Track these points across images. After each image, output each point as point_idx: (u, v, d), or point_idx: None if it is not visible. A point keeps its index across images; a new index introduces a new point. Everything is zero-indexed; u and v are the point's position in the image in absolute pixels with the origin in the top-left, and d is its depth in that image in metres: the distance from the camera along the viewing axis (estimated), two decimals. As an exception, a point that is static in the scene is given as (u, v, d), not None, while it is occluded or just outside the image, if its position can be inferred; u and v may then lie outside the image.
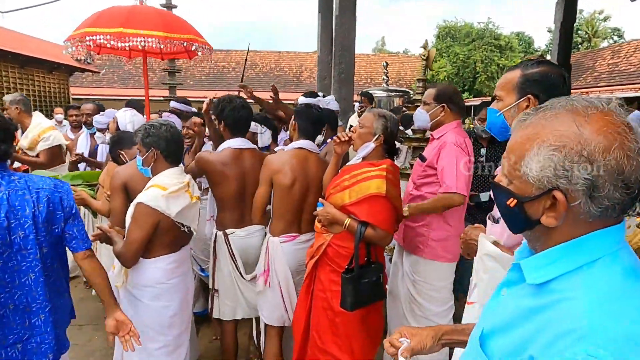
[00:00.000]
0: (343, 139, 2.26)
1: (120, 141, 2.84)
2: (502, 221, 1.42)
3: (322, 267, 2.26)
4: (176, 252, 2.20)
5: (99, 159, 3.99)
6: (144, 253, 2.09)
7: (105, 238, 2.18)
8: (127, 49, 3.99)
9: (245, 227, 2.67)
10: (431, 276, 2.43)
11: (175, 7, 11.51)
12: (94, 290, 3.57)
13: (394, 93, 5.87)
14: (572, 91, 2.40)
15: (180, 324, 2.28)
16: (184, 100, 4.45)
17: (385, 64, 5.99)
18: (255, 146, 2.78)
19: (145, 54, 4.31)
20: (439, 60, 23.76)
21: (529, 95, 1.41)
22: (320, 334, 2.25)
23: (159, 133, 2.11)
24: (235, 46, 22.21)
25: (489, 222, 1.62)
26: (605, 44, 27.46)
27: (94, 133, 4.11)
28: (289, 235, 2.51)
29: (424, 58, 3.04)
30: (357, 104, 5.42)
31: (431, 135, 2.50)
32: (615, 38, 30.56)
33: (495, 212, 1.56)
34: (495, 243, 1.46)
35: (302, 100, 3.79)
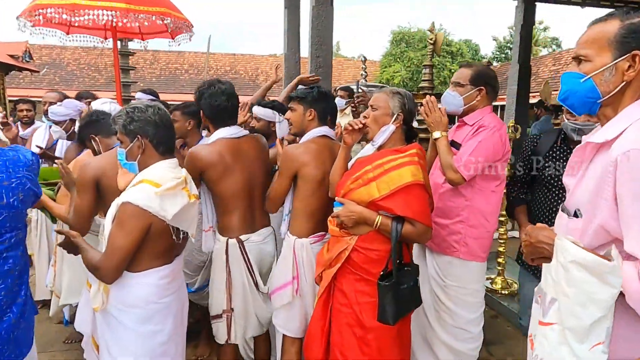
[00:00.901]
0: (356, 126, 1.95)
1: (95, 123, 2.34)
2: (585, 214, 1.14)
3: (344, 277, 1.92)
4: (169, 263, 1.77)
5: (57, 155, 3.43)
6: (129, 265, 1.66)
7: (69, 246, 1.72)
8: (89, 23, 3.42)
9: (259, 230, 2.31)
10: (467, 278, 2.15)
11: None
12: (51, 310, 3.05)
13: (374, 89, 5.66)
14: (518, 95, 2.22)
15: (175, 353, 1.85)
16: (151, 92, 3.95)
17: (363, 59, 5.75)
18: (246, 132, 2.38)
19: (115, 33, 3.74)
20: (394, 65, 24.21)
21: (636, 52, 1.09)
22: (346, 355, 1.90)
23: (145, 117, 1.69)
24: (188, 47, 21.32)
25: (562, 216, 1.28)
26: (545, 52, 29.12)
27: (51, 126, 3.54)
28: (318, 235, 2.18)
29: (432, 42, 2.79)
30: (339, 100, 5.06)
31: (459, 121, 2.23)
32: (554, 47, 32.58)
33: (572, 202, 1.23)
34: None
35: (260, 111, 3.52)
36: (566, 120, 2.25)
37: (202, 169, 2.17)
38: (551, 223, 1.34)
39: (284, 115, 2.96)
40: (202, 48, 23.37)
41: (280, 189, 2.21)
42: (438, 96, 2.30)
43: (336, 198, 1.92)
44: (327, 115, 2.27)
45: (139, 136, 1.69)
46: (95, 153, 2.32)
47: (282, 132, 2.92)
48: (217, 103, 2.21)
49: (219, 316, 2.30)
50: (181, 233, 1.72)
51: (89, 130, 2.33)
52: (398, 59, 24.75)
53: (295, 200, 2.22)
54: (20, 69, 12.26)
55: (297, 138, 2.46)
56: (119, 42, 10.24)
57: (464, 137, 2.11)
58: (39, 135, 3.59)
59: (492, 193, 2.11)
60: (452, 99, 2.17)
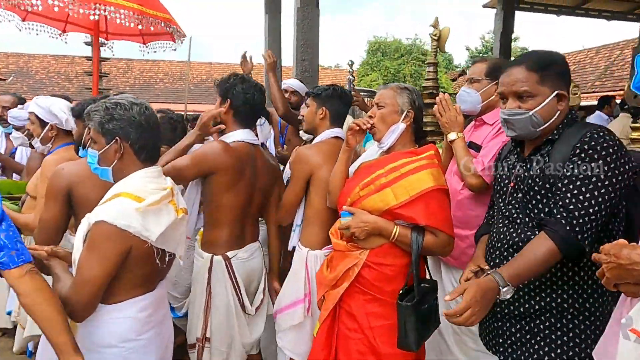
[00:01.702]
0: (364, 126, 1.74)
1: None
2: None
3: (352, 297, 1.68)
4: (151, 291, 1.47)
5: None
6: (103, 297, 1.35)
7: (40, 263, 1.40)
8: (97, 16, 3.04)
9: (247, 245, 2.08)
10: (491, 297, 1.91)
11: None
12: (16, 344, 2.74)
13: (364, 93, 5.46)
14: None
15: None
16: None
17: (350, 62, 5.55)
18: (259, 143, 2.20)
19: (98, 33, 3.41)
20: (371, 74, 24.34)
21: None
22: (358, 389, 1.64)
23: (128, 116, 1.40)
24: (162, 56, 20.84)
25: None
26: (516, 61, 29.79)
27: (10, 133, 3.17)
28: (329, 247, 1.94)
29: (435, 38, 2.59)
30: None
31: (477, 120, 2.02)
32: (524, 56, 33.49)
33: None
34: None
35: (295, 83, 3.37)
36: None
37: (214, 169, 1.90)
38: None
39: (266, 117, 2.73)
40: (177, 57, 22.86)
41: (294, 195, 2.04)
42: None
43: (344, 207, 1.69)
44: (341, 116, 2.13)
45: (117, 138, 1.39)
46: None
47: (263, 136, 2.71)
48: (251, 96, 2.00)
49: (193, 345, 2.04)
50: (167, 255, 1.42)
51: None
52: (375, 68, 24.95)
53: (308, 208, 2.03)
54: (-17, 78, 11.62)
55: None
56: (89, 47, 9.86)
57: (484, 138, 1.90)
58: None
59: None
60: (468, 96, 1.97)
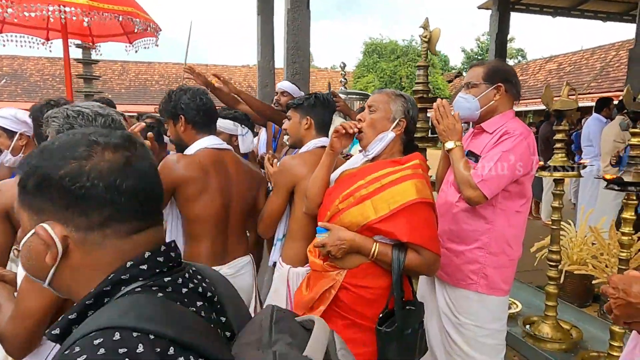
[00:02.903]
0: (350, 130, 1.59)
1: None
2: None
3: (330, 321, 1.49)
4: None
5: None
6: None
7: None
8: (29, 19, 2.89)
9: (230, 261, 1.94)
10: (486, 316, 1.78)
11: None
12: None
13: (355, 96, 5.34)
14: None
15: None
16: (107, 102, 3.48)
17: (343, 65, 5.42)
18: (228, 145, 2.04)
19: (66, 34, 3.25)
20: (367, 76, 24.28)
21: None
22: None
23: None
24: (157, 58, 20.74)
25: None
26: (511, 63, 29.92)
27: None
28: None
29: (426, 40, 2.46)
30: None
31: (476, 128, 1.89)
32: (520, 58, 33.54)
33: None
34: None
35: (287, 86, 3.13)
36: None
37: (177, 182, 1.79)
38: None
39: (248, 127, 2.61)
40: (172, 59, 22.72)
41: (276, 207, 1.89)
42: (434, 100, 1.96)
43: (319, 223, 1.55)
44: (327, 124, 2.00)
45: None
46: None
47: (245, 147, 2.58)
48: (202, 103, 1.89)
49: None
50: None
51: None
52: (371, 70, 24.93)
53: (291, 221, 1.90)
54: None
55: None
56: (80, 50, 9.72)
57: (484, 147, 1.77)
58: None
59: (517, 214, 1.76)
60: (465, 102, 1.83)
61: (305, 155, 1.91)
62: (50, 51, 3.52)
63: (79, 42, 7.75)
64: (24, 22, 3.16)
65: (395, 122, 1.58)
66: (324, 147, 1.85)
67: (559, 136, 2.67)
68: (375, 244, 1.45)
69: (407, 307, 1.48)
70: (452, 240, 1.81)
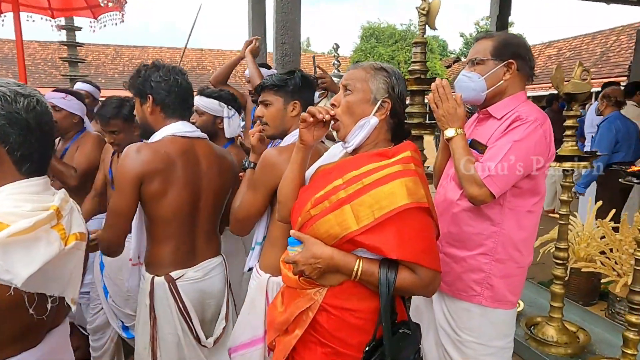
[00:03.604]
0: (320, 116, 1.26)
1: None
2: None
3: (308, 348, 1.26)
4: (36, 346, 1.09)
5: None
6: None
7: None
8: None
9: (199, 263, 1.73)
10: (490, 332, 1.54)
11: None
12: None
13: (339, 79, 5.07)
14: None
15: None
16: (92, 84, 3.22)
17: (335, 46, 5.12)
18: (201, 133, 1.78)
19: (18, 7, 2.94)
20: (364, 60, 23.87)
21: None
22: None
23: (9, 110, 1.00)
24: (152, 42, 20.44)
25: None
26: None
27: None
28: None
29: (424, 12, 2.19)
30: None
31: (481, 112, 1.62)
32: (519, 43, 33.12)
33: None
34: None
35: (265, 72, 2.91)
36: None
37: (142, 176, 1.55)
38: None
39: (235, 108, 2.35)
40: (167, 43, 22.26)
41: (253, 206, 1.61)
42: (432, 81, 1.69)
43: (291, 232, 1.26)
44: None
45: None
46: None
47: (232, 131, 2.32)
48: (175, 83, 1.66)
49: None
50: (48, 302, 1.04)
51: None
52: (369, 55, 24.53)
53: (272, 226, 1.62)
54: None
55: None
56: (64, 32, 9.33)
57: (491, 136, 1.50)
58: None
59: (528, 214, 1.51)
60: (470, 81, 1.55)
61: (292, 147, 1.62)
62: (2, 25, 3.20)
63: (62, 23, 7.40)
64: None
65: (378, 104, 1.25)
66: None
67: (569, 122, 2.41)
68: (358, 261, 1.16)
69: (402, 331, 1.21)
70: (452, 244, 1.56)
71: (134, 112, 1.78)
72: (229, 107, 2.32)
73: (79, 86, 3.37)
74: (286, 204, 1.37)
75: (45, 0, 3.16)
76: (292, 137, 1.63)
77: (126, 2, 3.19)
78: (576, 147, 2.42)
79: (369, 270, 1.16)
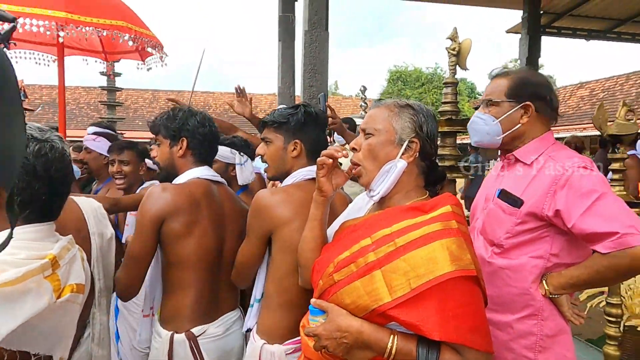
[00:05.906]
0: (339, 155, 1.15)
1: None
2: None
3: None
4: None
5: None
6: None
7: None
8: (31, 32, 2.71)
9: (220, 317, 1.61)
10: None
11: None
12: None
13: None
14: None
15: None
16: (107, 126, 3.27)
17: (363, 89, 5.14)
18: (224, 181, 1.75)
19: (62, 51, 3.06)
20: (392, 103, 24.19)
21: None
22: None
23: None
24: (186, 87, 21.57)
25: None
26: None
27: None
28: (297, 341, 1.36)
29: (454, 53, 2.11)
30: (337, 137, 4.20)
31: (506, 156, 1.48)
32: (550, 84, 32.93)
33: None
34: None
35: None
36: None
37: (165, 214, 1.48)
38: None
39: (247, 155, 2.30)
40: (201, 87, 23.28)
41: (249, 253, 1.47)
42: (464, 122, 1.57)
43: (312, 301, 1.09)
44: (322, 147, 1.46)
45: None
46: None
47: (244, 178, 2.26)
48: (209, 131, 1.66)
49: None
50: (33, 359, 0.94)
51: None
52: (395, 98, 24.88)
53: (268, 283, 1.45)
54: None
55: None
56: (105, 78, 9.89)
57: (526, 186, 1.34)
58: None
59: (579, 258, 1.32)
60: (484, 124, 1.42)
61: (290, 189, 1.45)
62: (48, 66, 3.37)
63: (102, 70, 7.82)
64: (31, 38, 3.02)
65: (404, 145, 1.11)
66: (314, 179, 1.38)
67: (615, 166, 2.24)
68: (392, 337, 0.98)
69: None
70: (491, 309, 1.34)
71: (152, 154, 1.75)
72: (241, 153, 2.29)
73: (91, 130, 3.44)
74: (309, 268, 1.21)
75: (99, 44, 3.29)
76: (292, 178, 1.50)
77: (162, 46, 3.30)
78: (625, 193, 2.22)
79: (405, 349, 0.98)
